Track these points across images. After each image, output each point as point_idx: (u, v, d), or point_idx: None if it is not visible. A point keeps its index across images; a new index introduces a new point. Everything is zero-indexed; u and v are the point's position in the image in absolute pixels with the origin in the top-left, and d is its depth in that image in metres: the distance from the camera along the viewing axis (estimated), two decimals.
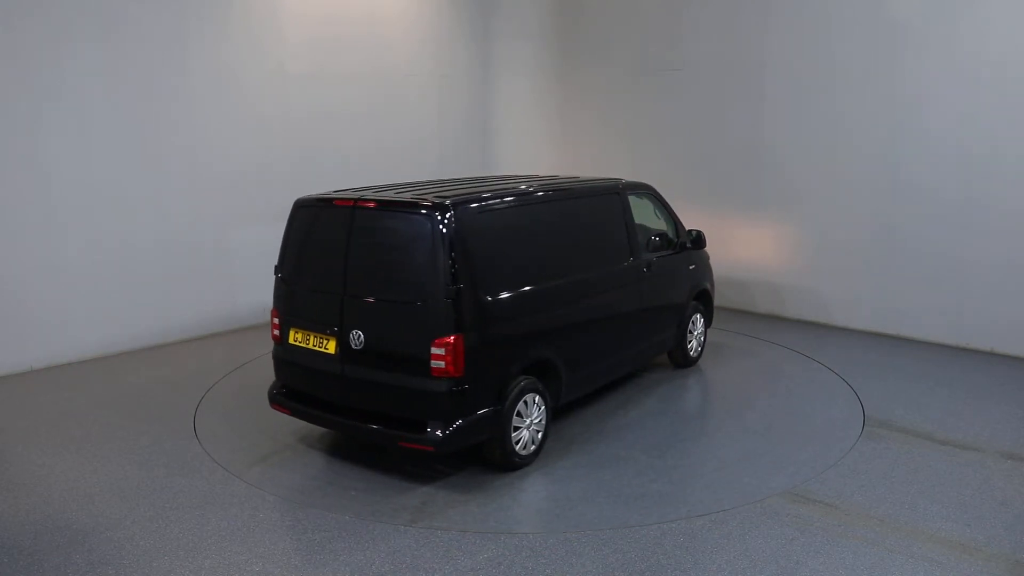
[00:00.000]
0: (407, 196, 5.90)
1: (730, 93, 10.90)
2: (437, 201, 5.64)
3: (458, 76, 11.94)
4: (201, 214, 9.50)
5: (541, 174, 8.87)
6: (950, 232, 9.19)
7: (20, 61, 8.00)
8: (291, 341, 6.19)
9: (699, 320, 8.55)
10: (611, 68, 12.32)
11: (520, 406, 5.98)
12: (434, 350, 5.44)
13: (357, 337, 5.77)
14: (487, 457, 6.03)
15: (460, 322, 5.48)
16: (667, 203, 8.31)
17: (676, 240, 8.20)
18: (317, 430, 6.76)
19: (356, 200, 5.95)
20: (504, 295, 5.89)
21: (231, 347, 9.17)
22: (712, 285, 8.84)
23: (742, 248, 10.87)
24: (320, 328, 5.97)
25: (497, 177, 7.79)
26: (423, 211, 5.60)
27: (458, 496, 5.73)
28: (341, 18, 10.46)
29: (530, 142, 12.95)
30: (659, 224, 8.25)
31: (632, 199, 7.69)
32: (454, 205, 5.63)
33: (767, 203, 10.72)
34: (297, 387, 6.32)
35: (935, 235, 9.31)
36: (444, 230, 5.50)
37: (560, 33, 12.92)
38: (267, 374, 6.88)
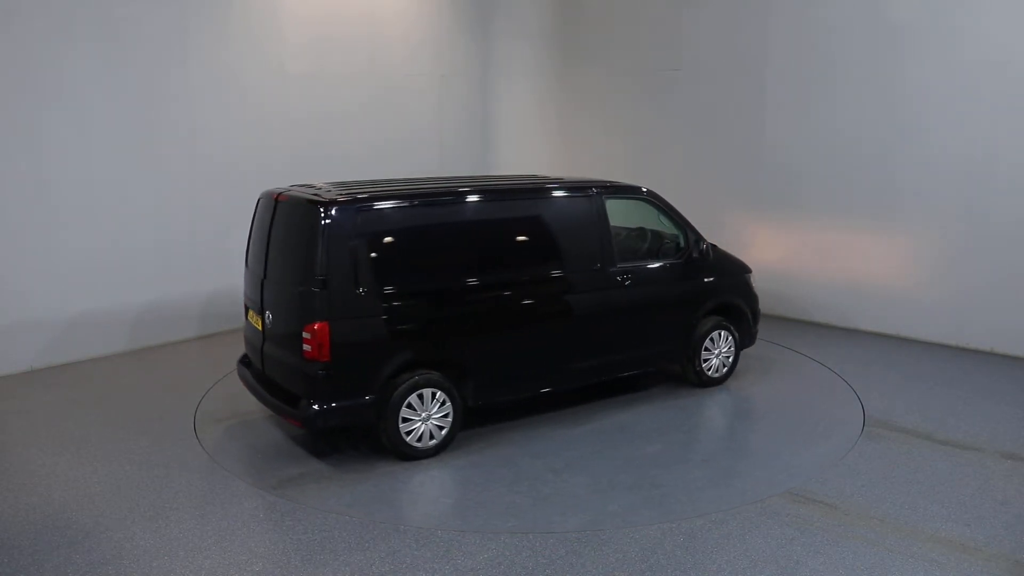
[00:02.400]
0: (309, 192, 6.33)
1: (730, 94, 10.90)
2: (322, 197, 6.04)
3: (457, 76, 11.94)
4: (201, 213, 9.50)
5: (540, 174, 8.83)
6: (950, 232, 9.19)
7: (20, 61, 8.00)
8: (248, 319, 6.93)
9: (723, 337, 7.88)
10: (611, 68, 12.32)
11: (414, 399, 6.17)
12: (304, 334, 5.87)
13: (268, 318, 6.44)
14: (382, 443, 6.28)
15: (328, 311, 5.84)
16: (673, 209, 7.74)
17: (684, 249, 7.70)
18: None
19: (278, 194, 6.55)
20: (389, 290, 6.08)
21: (231, 347, 9.15)
22: (748, 301, 8.11)
23: (741, 248, 10.87)
24: (255, 308, 6.70)
25: (449, 178, 7.70)
26: (309, 206, 6.04)
27: (333, 473, 6.06)
28: (341, 18, 10.46)
29: (530, 142, 12.95)
30: (661, 232, 7.82)
31: (620, 203, 7.45)
32: (335, 202, 5.98)
33: (767, 204, 10.73)
34: (250, 359, 7.03)
35: (935, 235, 9.31)
36: (322, 224, 5.88)
37: (560, 33, 12.92)
38: None
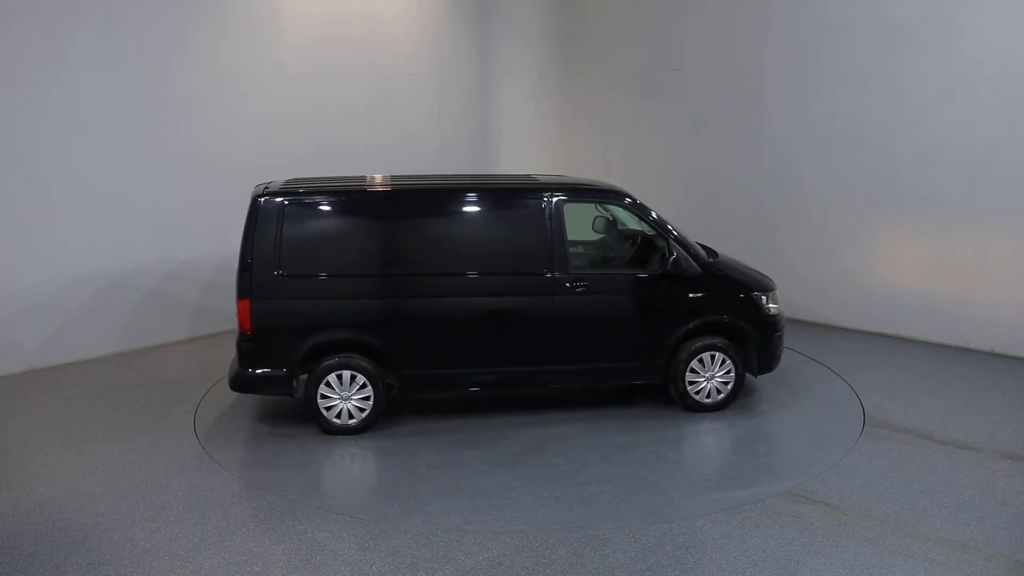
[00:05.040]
0: (262, 186, 6.93)
1: (730, 93, 10.89)
2: (263, 190, 6.75)
3: (457, 76, 11.94)
4: (200, 212, 9.49)
5: (534, 174, 8.81)
6: (950, 233, 9.18)
7: (19, 58, 7.99)
8: None
9: (718, 360, 7.11)
10: (612, 68, 12.30)
11: (333, 379, 6.66)
12: (237, 308, 6.67)
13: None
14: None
15: (250, 290, 6.62)
16: (652, 215, 7.11)
17: (666, 259, 7.02)
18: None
19: (255, 187, 7.10)
20: (307, 276, 6.67)
21: (231, 347, 9.13)
22: (754, 322, 7.19)
23: (740, 250, 10.85)
24: None
25: (422, 176, 7.88)
26: (253, 197, 6.73)
27: (258, 434, 6.83)
28: (341, 18, 10.46)
29: (529, 142, 12.93)
30: (654, 239, 7.19)
31: (590, 207, 7.45)
32: (266, 193, 6.70)
33: (766, 205, 10.71)
34: None
35: (935, 236, 9.31)
36: (255, 212, 6.63)
37: (560, 32, 12.91)
38: None
